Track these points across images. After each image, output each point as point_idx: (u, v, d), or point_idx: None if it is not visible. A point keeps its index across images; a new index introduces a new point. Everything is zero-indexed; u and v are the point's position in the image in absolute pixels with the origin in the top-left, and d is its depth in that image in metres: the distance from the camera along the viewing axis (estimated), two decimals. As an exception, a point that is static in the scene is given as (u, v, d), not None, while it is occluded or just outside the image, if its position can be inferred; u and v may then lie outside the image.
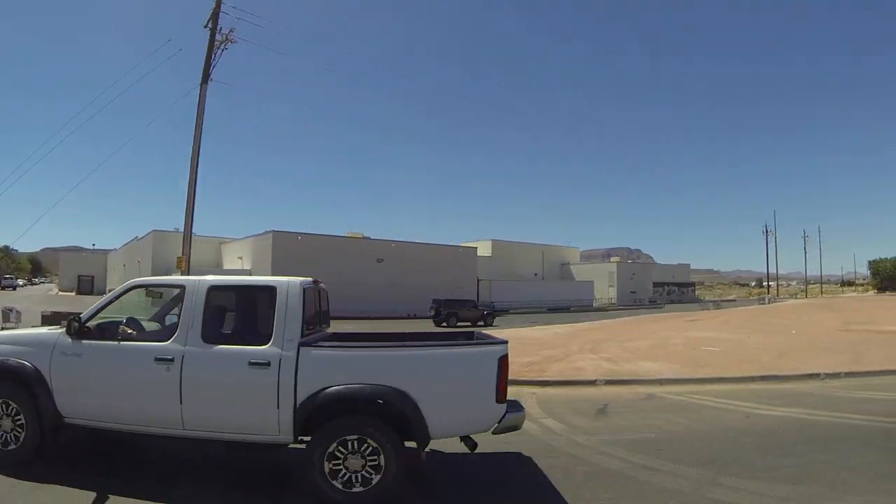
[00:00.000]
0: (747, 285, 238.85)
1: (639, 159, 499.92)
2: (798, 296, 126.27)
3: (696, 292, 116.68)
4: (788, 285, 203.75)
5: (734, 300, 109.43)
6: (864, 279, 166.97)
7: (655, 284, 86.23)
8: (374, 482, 5.29)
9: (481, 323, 40.39)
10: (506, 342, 6.02)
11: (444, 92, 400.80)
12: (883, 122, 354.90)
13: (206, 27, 24.71)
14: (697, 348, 18.52)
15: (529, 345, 20.89)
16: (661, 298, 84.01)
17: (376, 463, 5.30)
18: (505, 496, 5.83)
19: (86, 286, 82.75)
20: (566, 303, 60.72)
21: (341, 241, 53.67)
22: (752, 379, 12.93)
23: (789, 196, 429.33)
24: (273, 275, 42.07)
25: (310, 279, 6.62)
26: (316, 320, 6.80)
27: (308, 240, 51.24)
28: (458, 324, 39.03)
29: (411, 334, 7.87)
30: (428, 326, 35.86)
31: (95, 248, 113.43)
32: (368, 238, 55.81)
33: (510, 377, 12.50)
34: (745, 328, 27.56)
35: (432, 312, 40.85)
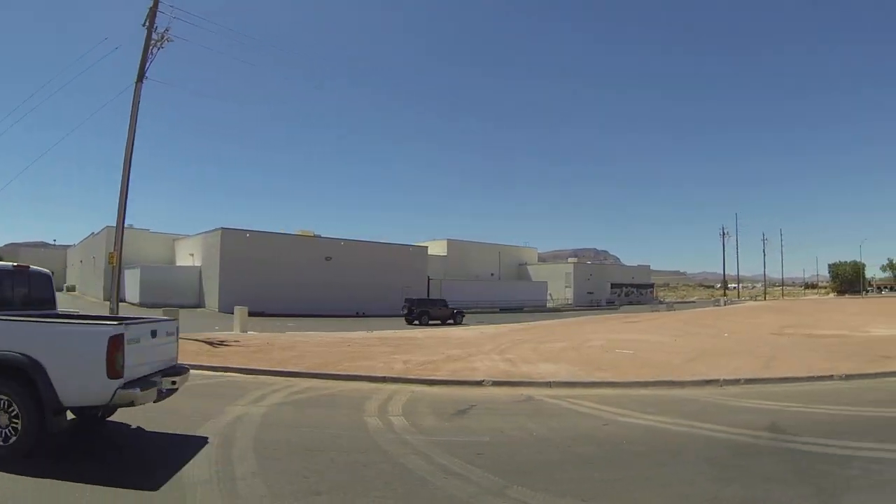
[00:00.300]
0: (713, 287, 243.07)
1: (610, 159, 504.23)
2: (758, 298, 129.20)
3: (659, 293, 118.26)
4: (753, 287, 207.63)
5: (694, 301, 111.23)
6: (826, 282, 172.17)
7: (614, 286, 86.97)
8: (11, 441, 5.97)
9: (450, 321, 41.75)
10: (122, 324, 6.39)
11: (406, 86, 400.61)
12: (850, 122, 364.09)
13: (143, 25, 24.30)
14: (612, 351, 18.34)
15: (447, 344, 20.73)
16: (620, 300, 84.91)
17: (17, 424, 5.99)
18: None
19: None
20: (519, 303, 60.81)
21: (290, 238, 53.01)
22: (646, 384, 12.56)
23: (755, 197, 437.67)
24: (222, 272, 41.59)
25: (10, 264, 7.72)
26: (19, 303, 7.71)
27: (257, 237, 50.59)
28: (430, 322, 40.68)
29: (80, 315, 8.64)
30: (374, 324, 36.21)
31: (56, 243, 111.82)
32: (319, 236, 55.18)
33: (399, 374, 13.23)
34: (679, 331, 27.60)
35: (405, 311, 42.21)
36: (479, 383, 12.54)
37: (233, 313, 45.15)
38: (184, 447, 6.91)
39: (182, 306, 45.22)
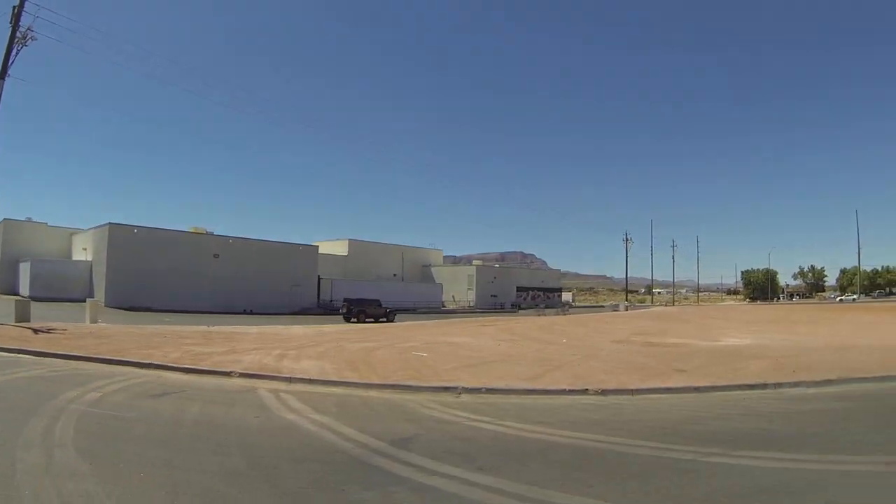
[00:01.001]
0: (636, 292, 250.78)
1: (546, 163, 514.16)
2: (673, 303, 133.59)
3: (580, 297, 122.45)
4: (678, 293, 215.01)
5: (603, 306, 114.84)
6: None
7: (520, 289, 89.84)
8: None
9: (383, 319, 44.61)
10: None
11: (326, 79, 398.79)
12: (770, 128, 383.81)
13: (10, 24, 25.13)
14: (407, 352, 19.04)
15: (262, 340, 22.36)
16: (527, 303, 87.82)
17: None
18: None
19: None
20: (413, 304, 62.68)
21: (178, 235, 53.24)
22: (382, 386, 12.74)
23: (677, 203, 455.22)
24: (108, 267, 42.07)
25: None
26: None
27: (145, 233, 50.59)
28: (367, 319, 43.40)
29: None
30: (257, 321, 37.47)
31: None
32: (211, 233, 55.70)
33: (165, 362, 15.22)
34: (517, 335, 28.41)
35: (343, 310, 45.51)
36: (227, 374, 13.97)
37: (120, 308, 45.83)
38: None
39: (73, 300, 45.45)
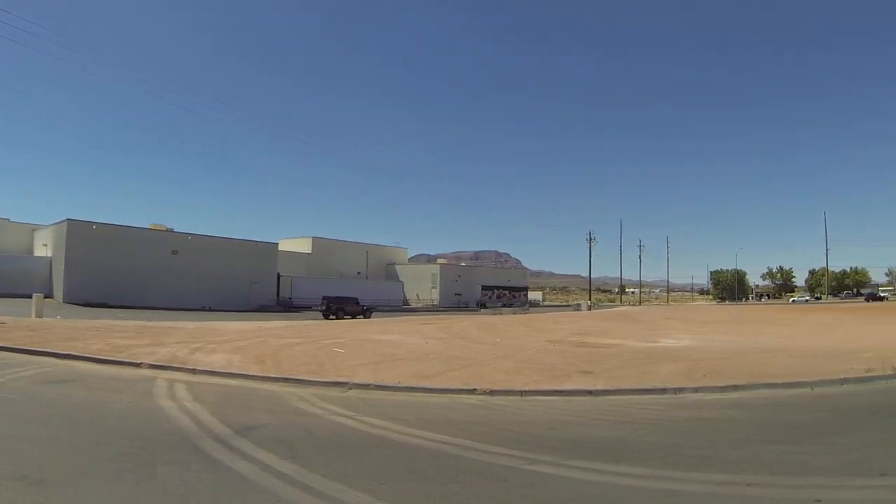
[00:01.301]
0: (610, 291, 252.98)
1: (523, 164, 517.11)
2: (640, 303, 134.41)
3: (550, 297, 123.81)
4: (651, 292, 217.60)
5: (569, 305, 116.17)
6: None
7: (485, 288, 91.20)
8: None
9: (360, 316, 47.83)
10: None
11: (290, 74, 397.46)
12: (766, 129, 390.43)
13: None
14: (326, 348, 19.54)
15: (195, 334, 23.40)
16: (492, 301, 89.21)
17: None
18: None
19: None
20: (372, 302, 63.45)
21: (137, 232, 53.84)
22: (278, 380, 13.16)
23: (651, 203, 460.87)
24: (66, 263, 42.86)
25: None
26: None
27: (104, 230, 51.09)
28: (344, 316, 46.78)
29: None
30: (213, 317, 38.56)
31: None
32: (172, 230, 56.35)
33: (84, 353, 17.78)
34: (457, 334, 28.38)
35: (323, 307, 48.15)
36: (137, 365, 14.78)
37: (77, 304, 46.41)
38: None
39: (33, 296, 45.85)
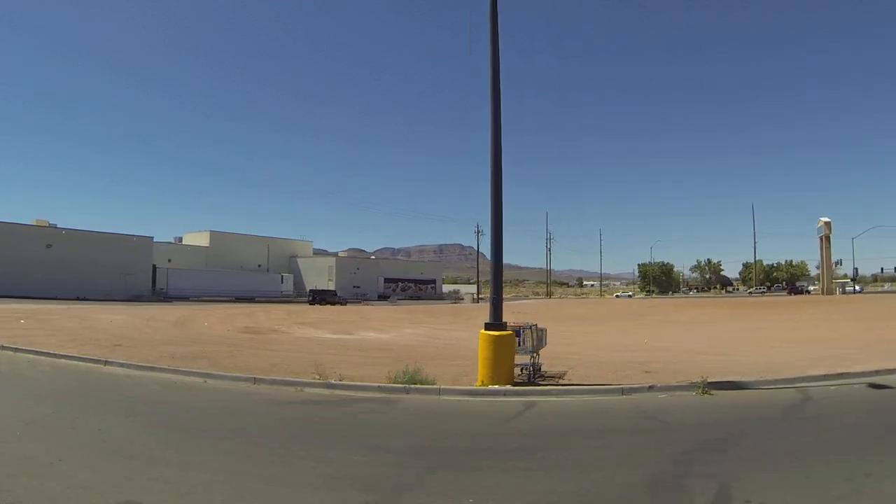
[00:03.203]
0: (566, 284, 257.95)
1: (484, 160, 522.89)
2: (549, 296, 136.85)
3: (479, 291, 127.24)
4: (610, 285, 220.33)
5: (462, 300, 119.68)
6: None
7: (388, 280, 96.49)
8: None
9: (339, 304, 63.75)
10: None
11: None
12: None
13: None
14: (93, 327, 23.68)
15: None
16: (396, 294, 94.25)
17: None
18: None
19: None
20: (249, 293, 68.73)
21: (12, 226, 58.34)
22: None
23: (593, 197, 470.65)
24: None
25: None
26: None
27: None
28: (325, 304, 61.71)
29: None
30: (83, 305, 42.62)
31: None
32: (55, 227, 61.12)
33: None
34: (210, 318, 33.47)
35: (310, 298, 65.89)
36: None
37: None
38: None
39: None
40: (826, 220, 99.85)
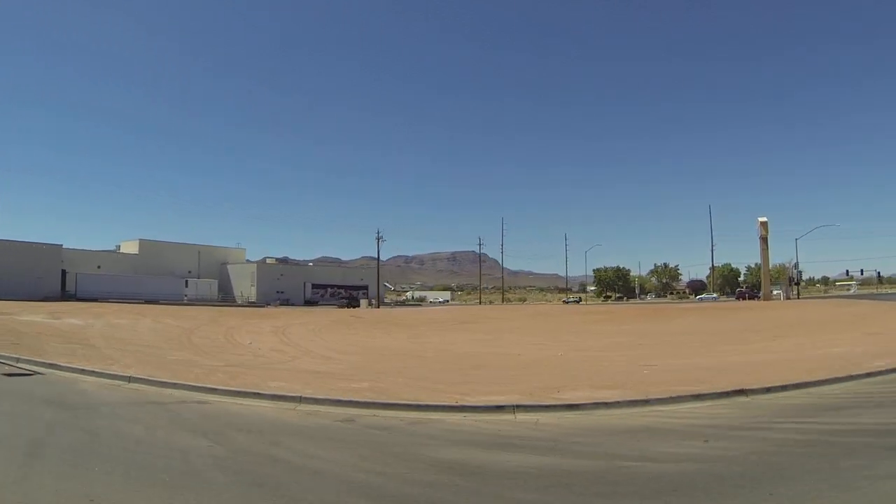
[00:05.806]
0: (570, 290, 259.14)
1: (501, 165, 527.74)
2: (503, 301, 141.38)
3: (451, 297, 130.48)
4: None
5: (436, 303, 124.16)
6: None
7: (316, 286, 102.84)
8: None
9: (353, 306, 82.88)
10: None
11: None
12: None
13: None
14: None
15: None
16: (325, 300, 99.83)
17: None
18: None
19: None
20: (153, 296, 75.49)
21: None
22: None
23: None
24: None
25: None
26: None
27: None
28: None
29: None
30: None
31: None
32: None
33: None
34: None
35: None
36: None
37: None
38: None
39: None
40: (763, 219, 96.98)
